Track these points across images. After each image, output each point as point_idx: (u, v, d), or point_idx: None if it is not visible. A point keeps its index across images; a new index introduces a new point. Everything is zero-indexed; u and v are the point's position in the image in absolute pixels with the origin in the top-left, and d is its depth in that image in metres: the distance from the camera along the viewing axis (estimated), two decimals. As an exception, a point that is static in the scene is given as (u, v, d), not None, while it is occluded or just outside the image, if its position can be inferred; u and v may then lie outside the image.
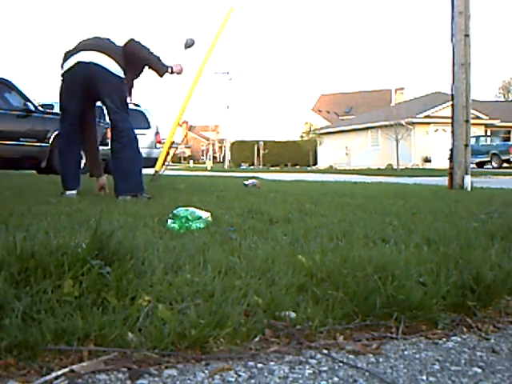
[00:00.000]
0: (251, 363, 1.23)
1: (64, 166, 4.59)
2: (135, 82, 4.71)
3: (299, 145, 46.40)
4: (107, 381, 1.11)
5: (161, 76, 4.63)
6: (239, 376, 1.16)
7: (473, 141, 24.01)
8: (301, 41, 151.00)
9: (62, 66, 4.46)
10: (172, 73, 4.64)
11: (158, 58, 4.60)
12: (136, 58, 4.54)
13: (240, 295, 1.46)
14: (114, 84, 4.43)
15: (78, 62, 4.35)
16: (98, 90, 4.41)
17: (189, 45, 5.32)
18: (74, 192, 4.46)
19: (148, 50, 4.57)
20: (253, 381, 1.15)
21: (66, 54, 4.47)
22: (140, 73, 4.68)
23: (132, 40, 4.57)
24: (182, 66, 4.71)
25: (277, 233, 2.56)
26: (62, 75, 4.45)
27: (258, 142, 46.89)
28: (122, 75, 4.47)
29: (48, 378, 1.09)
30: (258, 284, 1.58)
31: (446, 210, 3.93)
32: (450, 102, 7.71)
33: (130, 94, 4.62)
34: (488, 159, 29.91)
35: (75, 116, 4.50)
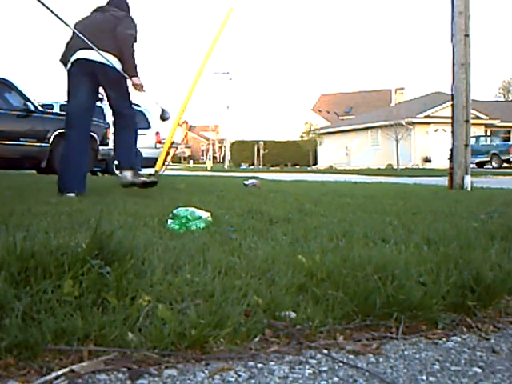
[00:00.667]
0: (251, 363, 1.23)
1: (64, 169, 4.60)
2: None
3: (299, 145, 46.37)
4: (107, 381, 1.11)
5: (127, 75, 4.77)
6: (239, 376, 1.16)
7: (473, 141, 24.00)
8: (300, 41, 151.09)
9: (68, 59, 4.70)
10: (132, 80, 4.74)
11: (134, 61, 4.68)
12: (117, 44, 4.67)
13: (240, 295, 1.46)
14: (117, 80, 4.73)
15: (83, 59, 4.61)
16: (102, 84, 4.74)
17: (165, 117, 5.37)
18: (73, 194, 4.42)
19: (133, 51, 4.68)
20: (253, 381, 1.15)
21: (68, 46, 4.72)
22: None
23: (131, 35, 4.68)
24: (144, 87, 4.81)
25: (277, 233, 2.56)
26: (68, 70, 4.70)
27: (258, 142, 46.87)
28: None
29: (48, 378, 1.09)
30: (258, 284, 1.58)
31: (445, 210, 3.93)
32: (450, 102, 7.71)
33: None
34: (488, 159, 29.88)
35: (81, 119, 4.68)
